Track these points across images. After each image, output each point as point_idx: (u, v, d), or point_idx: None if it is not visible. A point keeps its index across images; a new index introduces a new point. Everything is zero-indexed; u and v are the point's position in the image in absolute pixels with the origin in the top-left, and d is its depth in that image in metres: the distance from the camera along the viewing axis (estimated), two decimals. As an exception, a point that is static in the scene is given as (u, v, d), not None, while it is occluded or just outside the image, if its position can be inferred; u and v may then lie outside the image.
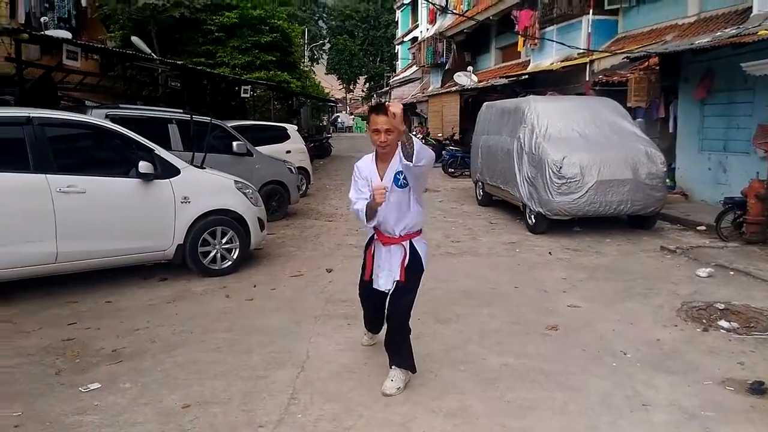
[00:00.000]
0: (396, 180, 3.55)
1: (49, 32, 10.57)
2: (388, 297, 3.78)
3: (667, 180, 9.55)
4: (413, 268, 3.70)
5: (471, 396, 3.70)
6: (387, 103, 3.41)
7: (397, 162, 3.54)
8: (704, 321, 5.01)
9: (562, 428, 3.32)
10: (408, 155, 3.26)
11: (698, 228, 9.02)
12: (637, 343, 4.54)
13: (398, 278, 3.67)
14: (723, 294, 5.75)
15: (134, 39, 13.87)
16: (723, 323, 4.90)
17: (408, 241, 3.70)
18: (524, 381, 3.92)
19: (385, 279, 3.75)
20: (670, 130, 12.27)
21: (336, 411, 3.51)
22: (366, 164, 3.70)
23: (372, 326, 4.33)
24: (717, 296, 5.67)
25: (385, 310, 3.90)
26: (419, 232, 3.77)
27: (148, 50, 13.60)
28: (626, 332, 4.80)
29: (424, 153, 3.25)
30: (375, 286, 3.81)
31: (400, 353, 3.78)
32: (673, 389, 3.77)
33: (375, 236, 3.81)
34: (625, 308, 5.42)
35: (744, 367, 4.10)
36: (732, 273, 6.49)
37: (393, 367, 3.80)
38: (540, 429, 3.32)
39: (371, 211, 3.52)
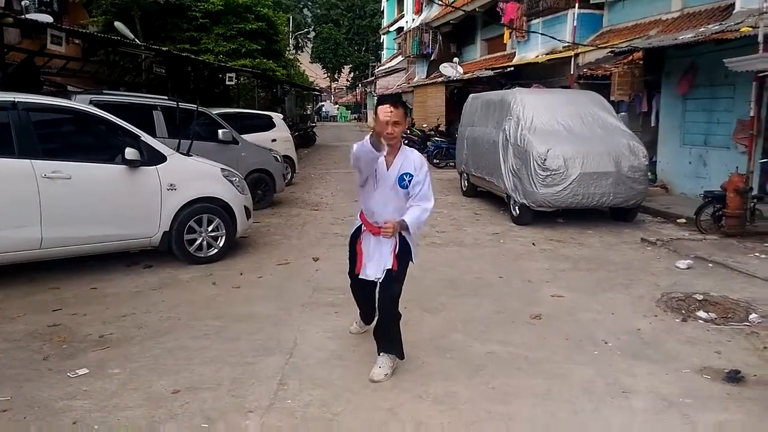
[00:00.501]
0: (401, 180, 3.61)
1: (30, 16, 10.40)
2: (378, 286, 3.82)
3: (649, 173, 9.70)
4: (402, 257, 3.76)
5: (457, 383, 3.77)
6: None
7: (402, 160, 3.64)
8: (683, 311, 5.14)
9: (546, 414, 3.41)
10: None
11: (678, 221, 9.19)
12: (617, 333, 4.65)
13: (390, 267, 3.70)
14: (702, 285, 5.88)
15: (117, 24, 13.67)
16: (701, 314, 5.02)
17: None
18: (509, 368, 4.00)
19: (374, 269, 3.76)
20: (653, 124, 12.44)
21: (324, 397, 3.56)
22: None
23: (365, 318, 4.38)
24: (696, 287, 5.80)
25: (376, 300, 3.96)
26: None
27: (132, 36, 13.43)
28: (607, 322, 4.91)
29: (419, 222, 3.66)
30: (362, 276, 3.83)
31: (389, 340, 3.84)
32: (652, 377, 3.88)
33: (362, 228, 3.85)
34: (607, 298, 5.53)
35: (721, 357, 4.22)
36: (711, 265, 6.64)
37: (381, 354, 3.85)
38: (524, 415, 3.39)
39: (377, 135, 3.32)
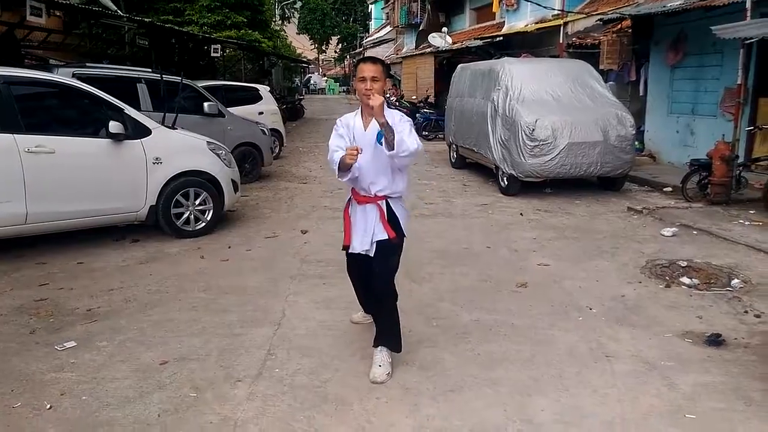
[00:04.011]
0: (380, 136, 3.25)
1: (9, -14, 10.15)
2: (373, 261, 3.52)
3: (636, 142, 9.72)
4: (393, 228, 3.46)
5: (443, 350, 3.82)
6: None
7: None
8: (667, 278, 5.21)
9: (530, 379, 3.46)
10: (390, 146, 3.17)
11: (665, 189, 9.25)
12: (602, 299, 4.71)
13: (386, 237, 3.43)
14: (686, 252, 5.95)
15: (99, -5, 13.40)
16: (685, 280, 5.10)
17: (384, 201, 3.46)
18: (494, 335, 4.05)
19: (360, 241, 3.50)
20: (641, 93, 12.43)
21: (313, 365, 3.60)
22: (349, 117, 3.53)
23: (365, 305, 4.08)
24: (680, 254, 5.87)
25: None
26: (399, 197, 3.56)
27: (114, 7, 13.17)
28: (592, 289, 4.97)
29: (405, 146, 3.18)
30: (351, 249, 3.57)
31: (386, 327, 3.57)
32: (635, 342, 3.94)
33: (351, 197, 3.61)
34: (592, 266, 5.58)
35: (702, 321, 4.29)
36: (695, 232, 6.71)
37: (379, 348, 3.55)
38: (509, 379, 3.45)
39: (344, 165, 3.27)
